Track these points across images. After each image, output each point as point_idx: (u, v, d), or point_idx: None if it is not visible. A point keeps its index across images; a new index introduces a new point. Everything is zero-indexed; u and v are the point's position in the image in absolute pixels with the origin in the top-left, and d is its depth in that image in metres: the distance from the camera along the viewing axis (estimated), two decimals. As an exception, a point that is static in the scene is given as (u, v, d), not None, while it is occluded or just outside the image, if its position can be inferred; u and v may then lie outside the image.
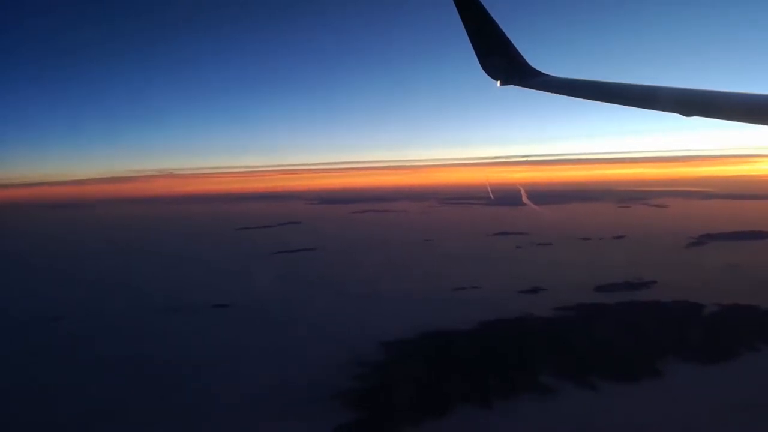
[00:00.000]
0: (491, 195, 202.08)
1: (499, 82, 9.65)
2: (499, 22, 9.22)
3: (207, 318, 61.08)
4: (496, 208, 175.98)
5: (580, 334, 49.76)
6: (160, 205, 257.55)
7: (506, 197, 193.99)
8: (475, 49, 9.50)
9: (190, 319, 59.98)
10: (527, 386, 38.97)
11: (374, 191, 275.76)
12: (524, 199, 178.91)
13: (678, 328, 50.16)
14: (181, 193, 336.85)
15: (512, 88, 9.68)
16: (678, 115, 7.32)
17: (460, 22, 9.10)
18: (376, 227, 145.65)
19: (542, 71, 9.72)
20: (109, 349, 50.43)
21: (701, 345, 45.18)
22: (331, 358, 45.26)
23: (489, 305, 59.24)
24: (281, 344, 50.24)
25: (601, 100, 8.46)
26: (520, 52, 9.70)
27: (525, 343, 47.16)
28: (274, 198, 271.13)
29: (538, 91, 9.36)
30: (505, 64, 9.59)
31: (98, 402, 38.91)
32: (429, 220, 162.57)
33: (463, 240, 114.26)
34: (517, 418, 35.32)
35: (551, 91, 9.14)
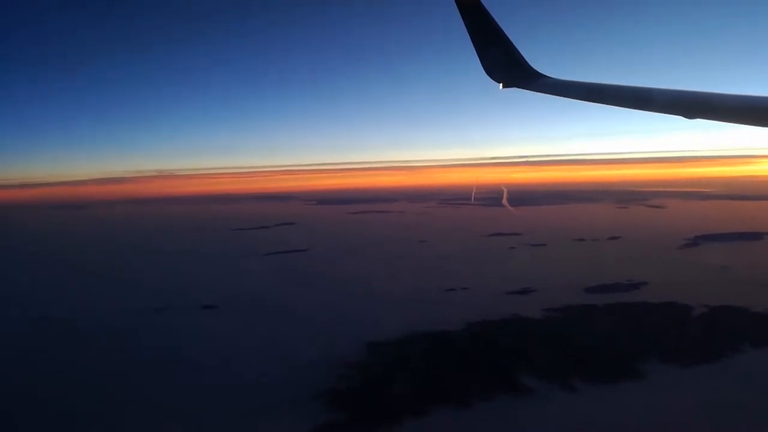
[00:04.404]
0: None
1: (501, 84, 9.56)
2: (500, 24, 9.12)
3: (195, 319, 61.13)
4: (493, 209, 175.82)
5: (566, 336, 49.64)
6: (158, 205, 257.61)
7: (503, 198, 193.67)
8: (477, 51, 9.41)
9: (178, 320, 60.07)
10: (509, 388, 39.01)
11: (373, 192, 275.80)
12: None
13: (665, 330, 50.10)
14: (180, 194, 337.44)
15: (513, 89, 9.58)
16: (677, 116, 7.28)
17: (462, 23, 9.00)
18: (373, 228, 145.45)
19: (545, 73, 9.61)
20: (95, 349, 50.72)
21: (686, 347, 45.14)
22: (315, 358, 45.23)
23: (477, 307, 59.17)
24: (266, 345, 50.24)
25: (603, 103, 8.34)
26: (522, 54, 9.59)
27: (510, 345, 47.18)
28: (272, 198, 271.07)
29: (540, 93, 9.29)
30: (507, 67, 9.48)
31: (79, 399, 38.97)
32: (426, 220, 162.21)
33: (457, 241, 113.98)
34: (497, 419, 35.27)
35: (553, 94, 9.03)
